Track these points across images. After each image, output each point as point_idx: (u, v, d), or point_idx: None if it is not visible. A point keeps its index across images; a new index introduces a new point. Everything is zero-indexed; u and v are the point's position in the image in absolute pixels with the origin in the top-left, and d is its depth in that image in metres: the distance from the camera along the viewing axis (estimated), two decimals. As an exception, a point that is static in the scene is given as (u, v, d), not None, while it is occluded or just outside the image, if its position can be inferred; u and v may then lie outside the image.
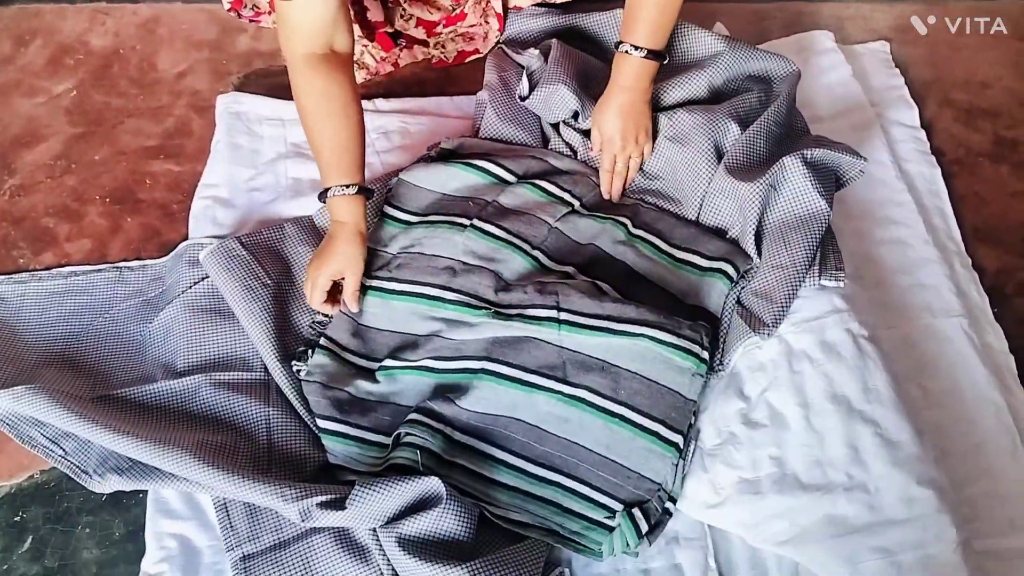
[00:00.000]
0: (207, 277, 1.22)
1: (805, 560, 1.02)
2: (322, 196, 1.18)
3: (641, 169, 1.30)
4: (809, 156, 1.15)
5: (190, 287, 1.22)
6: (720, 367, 1.13)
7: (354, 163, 1.16)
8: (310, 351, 1.15)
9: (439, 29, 1.48)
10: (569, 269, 1.19)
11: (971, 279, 1.29)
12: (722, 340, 1.14)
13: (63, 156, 1.44)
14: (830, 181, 1.18)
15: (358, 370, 1.15)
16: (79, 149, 1.45)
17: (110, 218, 1.37)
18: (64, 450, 1.09)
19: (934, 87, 1.55)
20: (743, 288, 1.16)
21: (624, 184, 1.29)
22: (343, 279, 1.17)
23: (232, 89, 1.52)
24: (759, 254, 1.17)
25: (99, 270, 1.29)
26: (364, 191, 1.17)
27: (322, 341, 1.16)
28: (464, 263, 1.19)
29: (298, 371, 1.13)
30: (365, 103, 1.47)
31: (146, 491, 1.10)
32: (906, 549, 0.97)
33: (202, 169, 1.40)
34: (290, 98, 1.44)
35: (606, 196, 1.28)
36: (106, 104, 1.51)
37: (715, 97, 1.32)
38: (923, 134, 1.45)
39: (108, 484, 1.07)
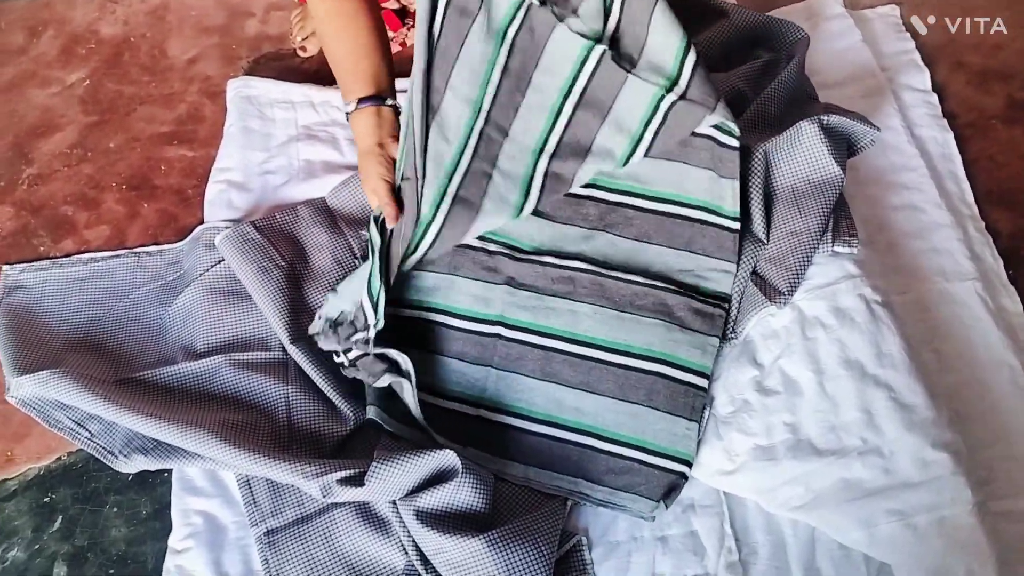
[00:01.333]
0: (223, 260, 1.24)
1: (820, 524, 1.03)
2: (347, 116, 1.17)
3: None
4: (825, 121, 1.15)
5: (207, 270, 1.24)
6: (733, 336, 1.13)
7: (358, 78, 1.14)
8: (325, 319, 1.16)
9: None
10: (576, 259, 1.18)
11: (985, 242, 1.28)
12: (735, 308, 1.14)
13: (79, 145, 1.46)
14: (843, 148, 1.18)
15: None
16: (94, 137, 1.47)
17: (127, 204, 1.38)
18: (90, 432, 1.11)
19: (946, 50, 1.53)
20: (757, 256, 1.16)
21: None
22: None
23: (242, 73, 1.53)
24: (767, 230, 1.16)
25: (118, 256, 1.31)
26: (373, 99, 1.13)
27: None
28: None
29: (315, 335, 1.13)
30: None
31: (171, 470, 1.12)
32: (921, 511, 0.98)
33: (215, 154, 1.41)
34: (299, 81, 1.47)
35: None
36: (119, 92, 1.52)
37: (723, 65, 1.31)
38: (935, 98, 1.44)
39: (134, 464, 1.10)
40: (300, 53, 1.56)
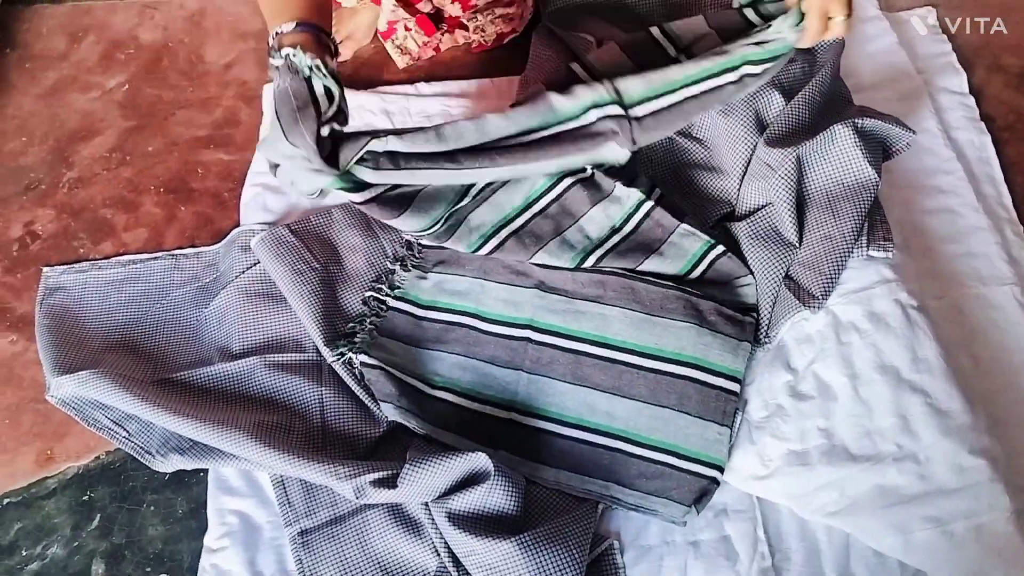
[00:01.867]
0: (259, 263, 1.26)
1: (855, 531, 1.02)
2: (271, 52, 1.01)
3: (690, 135, 1.29)
4: (860, 124, 1.14)
5: (243, 272, 1.25)
6: (767, 340, 1.13)
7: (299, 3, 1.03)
8: (359, 326, 1.18)
9: (474, 1, 1.47)
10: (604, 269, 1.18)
11: (1023, 246, 1.27)
12: (767, 313, 1.13)
13: (118, 148, 1.48)
14: (878, 152, 1.17)
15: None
16: (133, 141, 1.49)
17: (165, 207, 1.41)
18: (128, 431, 1.13)
19: (983, 52, 1.51)
20: (790, 260, 1.16)
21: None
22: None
23: (278, 78, 1.55)
24: (800, 235, 1.15)
25: (156, 258, 1.33)
26: (313, 28, 1.01)
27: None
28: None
29: (339, 353, 1.14)
30: (407, 87, 1.50)
31: (207, 470, 1.14)
32: (958, 518, 0.97)
33: (251, 157, 1.43)
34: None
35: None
36: (157, 97, 1.55)
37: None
38: (972, 100, 1.42)
39: (170, 464, 1.11)
40: (334, 58, 1.57)
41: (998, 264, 1.22)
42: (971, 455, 0.99)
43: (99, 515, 1.14)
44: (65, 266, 1.33)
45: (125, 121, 1.52)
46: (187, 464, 1.11)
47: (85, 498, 1.16)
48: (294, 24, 1.01)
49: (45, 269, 1.32)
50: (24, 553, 1.12)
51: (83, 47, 1.62)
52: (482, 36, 1.54)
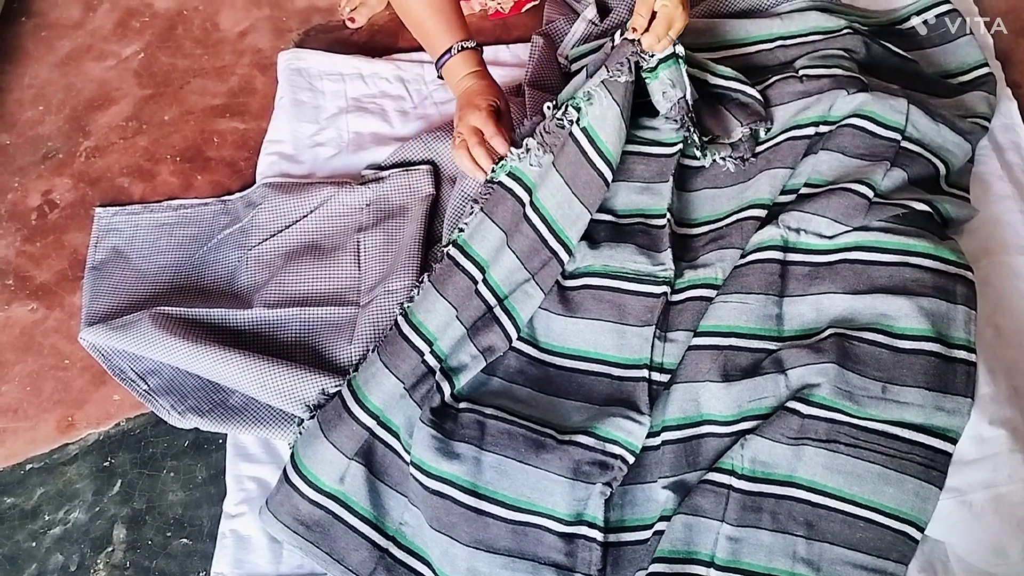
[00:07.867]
0: (310, 215, 1.28)
1: (873, 500, 1.02)
2: (440, 66, 1.20)
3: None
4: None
5: (295, 223, 1.28)
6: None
7: (461, 22, 1.19)
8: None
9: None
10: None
11: (1049, 215, 1.25)
12: None
13: (134, 117, 1.48)
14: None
15: None
16: (149, 110, 1.49)
17: (182, 176, 1.41)
18: (148, 385, 1.16)
19: (1010, 16, 1.48)
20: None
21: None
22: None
23: (293, 46, 1.54)
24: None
25: (206, 203, 1.36)
26: (471, 44, 1.19)
27: None
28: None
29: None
30: (423, 54, 1.48)
31: (225, 436, 1.15)
32: (977, 489, 0.96)
33: (267, 126, 1.42)
34: (349, 53, 1.47)
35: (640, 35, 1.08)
36: (172, 65, 1.54)
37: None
38: (999, 66, 1.39)
39: (187, 422, 1.13)
40: (349, 24, 1.56)
41: (1023, 233, 1.20)
42: (991, 425, 0.98)
43: (120, 481, 1.16)
44: (117, 207, 1.36)
45: (141, 89, 1.52)
46: (204, 426, 1.13)
47: (106, 464, 1.17)
48: (474, 43, 1.18)
49: (97, 209, 1.35)
50: (47, 518, 1.14)
51: (98, 15, 1.62)
52: (499, 4, 1.52)
